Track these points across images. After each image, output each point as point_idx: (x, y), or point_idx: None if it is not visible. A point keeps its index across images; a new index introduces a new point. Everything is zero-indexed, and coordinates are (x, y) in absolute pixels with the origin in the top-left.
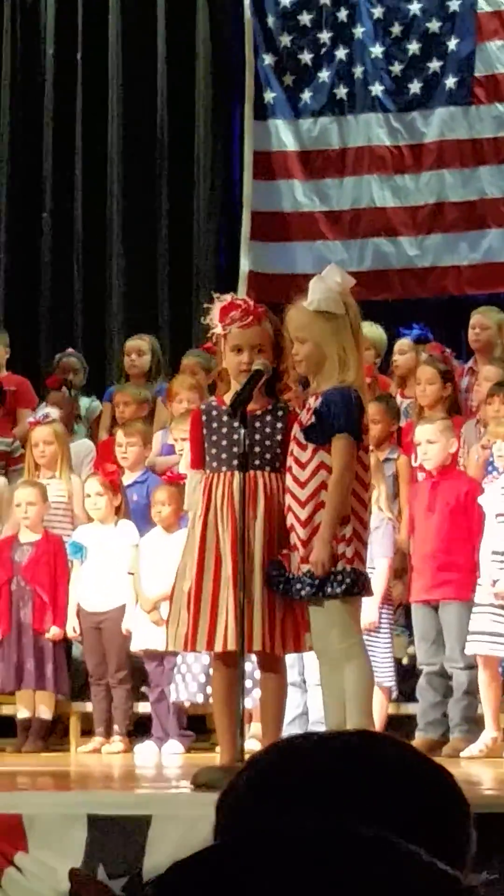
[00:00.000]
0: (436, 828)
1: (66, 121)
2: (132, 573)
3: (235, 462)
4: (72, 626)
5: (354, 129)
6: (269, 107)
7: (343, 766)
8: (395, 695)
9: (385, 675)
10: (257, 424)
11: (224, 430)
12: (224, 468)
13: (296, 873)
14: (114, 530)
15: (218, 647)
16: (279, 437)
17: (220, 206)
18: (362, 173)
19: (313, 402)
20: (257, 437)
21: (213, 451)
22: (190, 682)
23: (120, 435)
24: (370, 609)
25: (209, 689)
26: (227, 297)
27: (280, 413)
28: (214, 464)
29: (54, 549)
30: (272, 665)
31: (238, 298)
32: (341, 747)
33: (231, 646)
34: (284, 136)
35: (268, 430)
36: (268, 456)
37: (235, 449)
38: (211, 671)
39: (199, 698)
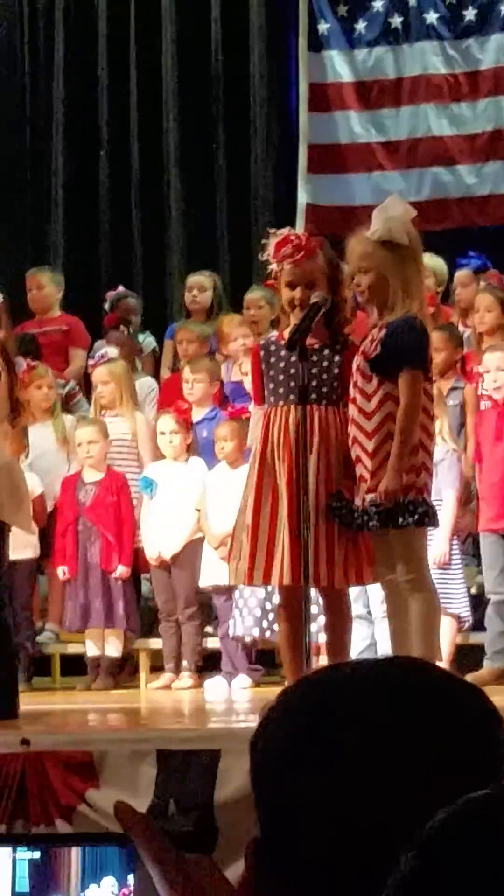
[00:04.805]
0: (478, 744)
1: (120, 57)
2: (199, 510)
3: (292, 396)
4: (155, 556)
5: (410, 58)
6: (324, 38)
7: (379, 697)
8: (468, 624)
9: (460, 606)
10: (314, 358)
11: (281, 364)
12: (281, 402)
13: None
14: (184, 467)
15: (274, 581)
16: (336, 371)
17: (277, 139)
18: (419, 102)
19: (377, 333)
20: (314, 371)
21: (271, 385)
22: (246, 617)
23: (187, 371)
24: (441, 542)
25: (265, 624)
26: (282, 233)
27: (338, 347)
28: (272, 398)
29: (118, 487)
30: (335, 598)
31: (292, 233)
32: (372, 677)
33: (287, 580)
34: (339, 67)
35: (325, 363)
36: (324, 389)
37: (293, 383)
38: (266, 606)
39: (255, 632)
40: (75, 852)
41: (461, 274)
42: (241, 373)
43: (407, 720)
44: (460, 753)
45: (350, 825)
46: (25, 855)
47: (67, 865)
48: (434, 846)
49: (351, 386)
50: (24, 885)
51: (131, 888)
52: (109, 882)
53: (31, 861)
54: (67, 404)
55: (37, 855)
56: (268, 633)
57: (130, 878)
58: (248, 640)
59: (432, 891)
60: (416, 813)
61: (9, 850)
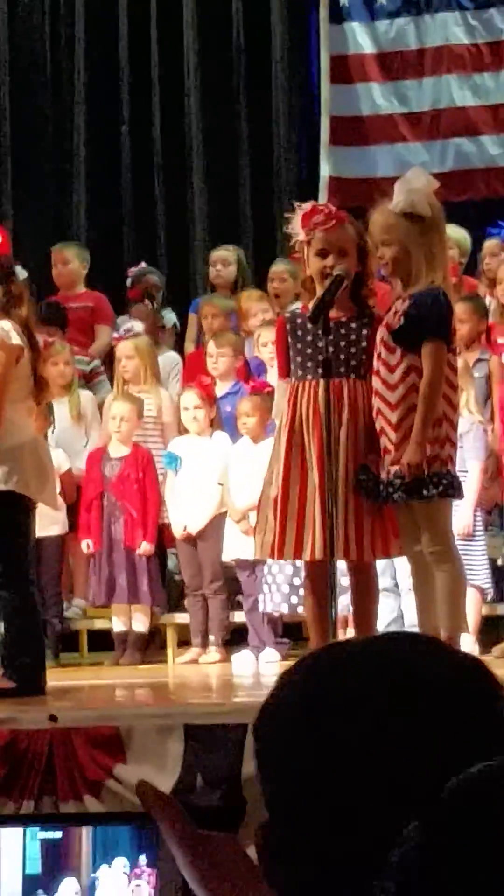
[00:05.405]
0: (478, 725)
1: (141, 32)
2: (221, 484)
3: (320, 370)
4: (181, 530)
5: (432, 29)
6: (345, 9)
7: (373, 680)
8: (490, 596)
9: (482, 577)
10: (342, 331)
11: (308, 337)
12: (309, 376)
13: None
14: (209, 442)
15: (306, 556)
16: (364, 344)
17: (299, 111)
18: (441, 73)
19: (401, 305)
20: (342, 344)
21: (298, 359)
22: (274, 593)
23: (211, 346)
24: (465, 513)
25: (293, 600)
26: (309, 205)
27: (365, 320)
28: (300, 372)
29: (143, 463)
30: (362, 571)
31: (319, 204)
32: (369, 658)
33: (319, 555)
34: (361, 38)
35: (353, 336)
36: (353, 363)
37: (320, 357)
38: (294, 581)
39: (284, 608)
40: (86, 832)
41: (490, 243)
42: (259, 345)
43: (402, 704)
44: (458, 736)
45: (342, 815)
46: (37, 836)
47: (78, 846)
48: (438, 820)
49: (375, 358)
50: (35, 866)
51: (143, 868)
52: (121, 862)
53: (42, 842)
54: (90, 382)
55: (48, 836)
56: (299, 609)
57: (142, 859)
58: (276, 615)
59: (437, 863)
60: (411, 801)
61: (19, 830)
